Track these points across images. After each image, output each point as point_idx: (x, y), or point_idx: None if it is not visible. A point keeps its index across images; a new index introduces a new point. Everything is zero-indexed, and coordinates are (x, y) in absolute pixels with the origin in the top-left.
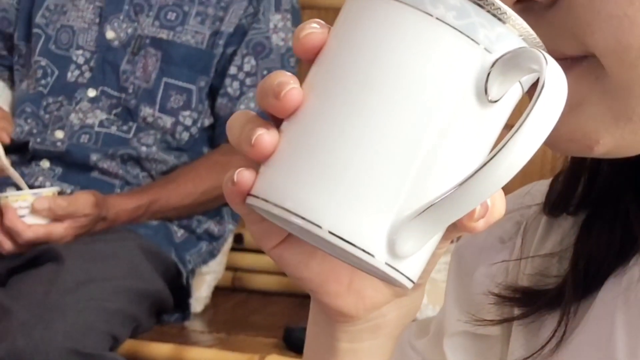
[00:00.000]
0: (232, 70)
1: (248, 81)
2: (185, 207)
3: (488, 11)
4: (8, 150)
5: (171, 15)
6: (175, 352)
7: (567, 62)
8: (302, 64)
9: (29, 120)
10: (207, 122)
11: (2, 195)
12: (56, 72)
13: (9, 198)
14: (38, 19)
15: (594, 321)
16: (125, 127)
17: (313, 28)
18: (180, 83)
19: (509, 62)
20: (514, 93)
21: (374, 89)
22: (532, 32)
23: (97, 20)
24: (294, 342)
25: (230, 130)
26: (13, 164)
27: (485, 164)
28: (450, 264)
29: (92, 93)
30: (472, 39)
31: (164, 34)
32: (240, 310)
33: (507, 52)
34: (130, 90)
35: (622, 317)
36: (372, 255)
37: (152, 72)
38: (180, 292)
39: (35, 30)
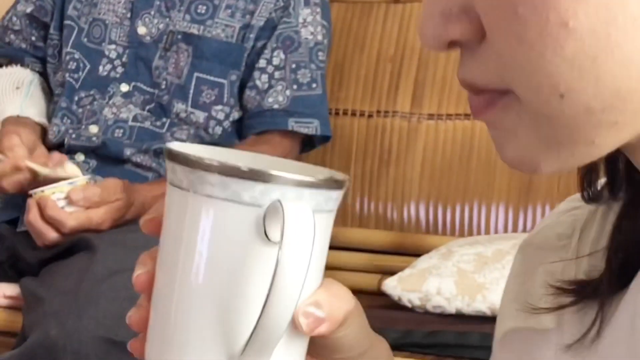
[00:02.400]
0: (262, 63)
1: (277, 74)
2: None
3: (242, 177)
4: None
5: (201, 9)
6: None
7: (495, 94)
8: (330, 59)
9: (64, 120)
10: (237, 115)
11: (38, 190)
12: (88, 66)
13: (45, 192)
14: (70, 11)
15: (622, 315)
16: (158, 123)
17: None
18: (211, 78)
19: (273, 212)
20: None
21: (181, 269)
22: (288, 176)
23: (129, 15)
24: None
25: None
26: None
27: (268, 296)
28: (514, 264)
29: (125, 88)
30: (240, 202)
31: (194, 29)
32: None
33: (269, 205)
34: (163, 86)
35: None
36: None
37: (184, 68)
38: None
39: (67, 22)
